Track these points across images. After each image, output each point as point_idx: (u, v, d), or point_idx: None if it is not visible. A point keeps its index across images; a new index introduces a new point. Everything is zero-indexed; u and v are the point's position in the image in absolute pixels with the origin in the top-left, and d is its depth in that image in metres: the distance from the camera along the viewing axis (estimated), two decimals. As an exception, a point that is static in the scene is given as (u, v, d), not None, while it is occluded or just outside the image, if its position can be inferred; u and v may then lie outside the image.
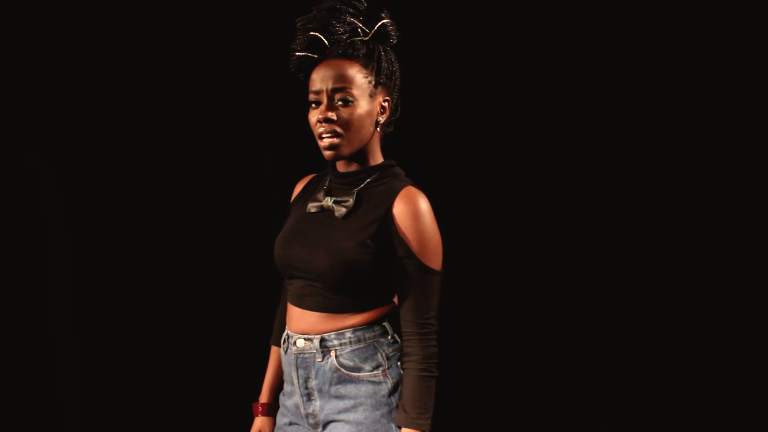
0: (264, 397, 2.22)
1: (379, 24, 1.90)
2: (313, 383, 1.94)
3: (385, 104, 1.93)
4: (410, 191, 1.87)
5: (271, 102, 3.27)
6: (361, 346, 1.91)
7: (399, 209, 1.86)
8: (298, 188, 2.14)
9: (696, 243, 3.26)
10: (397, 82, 1.96)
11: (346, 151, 1.89)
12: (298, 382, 1.96)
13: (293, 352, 1.96)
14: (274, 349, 2.24)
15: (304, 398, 1.96)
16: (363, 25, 1.90)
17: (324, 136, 1.88)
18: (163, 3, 3.21)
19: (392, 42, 1.95)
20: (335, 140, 1.88)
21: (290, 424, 2.02)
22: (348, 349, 1.91)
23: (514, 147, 3.30)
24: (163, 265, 3.34)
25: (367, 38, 1.90)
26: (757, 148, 3.18)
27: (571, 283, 3.33)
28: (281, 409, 2.07)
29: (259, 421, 2.21)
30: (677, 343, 3.31)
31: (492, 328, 3.32)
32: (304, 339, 1.94)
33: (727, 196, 3.23)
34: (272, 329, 2.27)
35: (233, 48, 3.27)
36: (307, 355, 1.94)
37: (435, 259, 1.86)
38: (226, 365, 3.36)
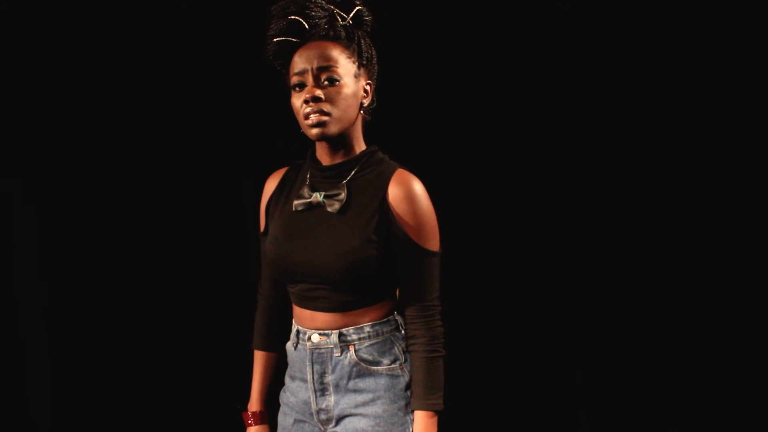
0: (255, 405, 2.14)
1: (356, 10, 1.90)
2: (329, 378, 1.91)
3: (368, 87, 1.92)
4: (402, 174, 1.86)
5: (241, 100, 3.26)
6: (379, 340, 1.90)
7: (393, 194, 1.84)
8: (271, 185, 2.05)
9: (686, 241, 3.25)
10: (375, 69, 1.95)
11: (333, 129, 1.84)
12: (313, 378, 1.92)
13: (308, 347, 1.92)
14: (258, 354, 2.16)
15: (318, 393, 1.93)
16: (341, 10, 1.89)
17: (311, 115, 1.82)
18: (145, 8, 3.20)
19: (367, 28, 1.94)
20: (323, 118, 1.82)
21: (295, 422, 1.99)
22: (367, 343, 1.89)
23: (508, 139, 3.32)
24: (143, 268, 3.29)
25: (345, 22, 1.89)
26: (757, 148, 3.17)
27: (565, 275, 3.31)
28: (283, 408, 2.04)
29: (255, 431, 2.12)
30: (672, 341, 3.31)
31: (482, 319, 3.31)
32: (320, 334, 1.90)
33: (726, 196, 3.22)
34: (253, 334, 2.19)
35: (211, 48, 3.25)
36: (323, 350, 1.91)
37: (433, 241, 1.86)
38: (205, 368, 3.32)
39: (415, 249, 1.83)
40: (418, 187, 1.84)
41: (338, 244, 1.82)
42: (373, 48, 1.93)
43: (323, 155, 1.92)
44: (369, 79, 1.92)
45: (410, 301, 1.86)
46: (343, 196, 1.85)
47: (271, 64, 1.94)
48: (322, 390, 1.92)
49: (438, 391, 1.85)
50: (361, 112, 1.90)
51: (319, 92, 1.81)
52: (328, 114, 1.82)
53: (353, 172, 1.88)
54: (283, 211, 1.95)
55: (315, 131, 1.83)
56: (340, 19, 1.87)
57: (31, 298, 3.21)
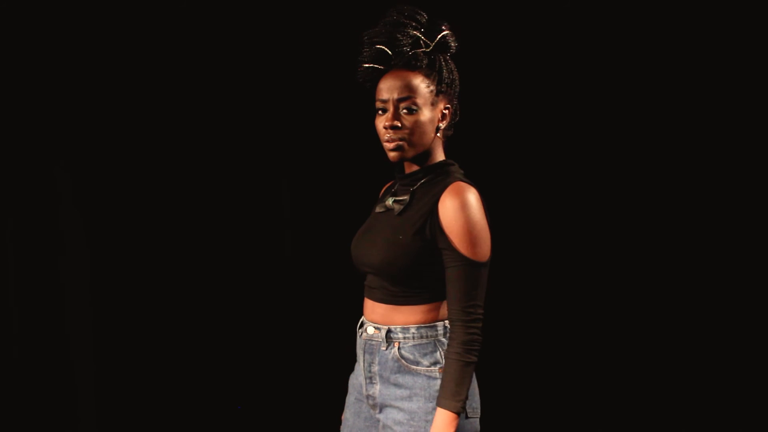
0: None
1: (440, 36, 2.05)
2: (375, 368, 2.09)
3: (446, 111, 2.08)
4: (457, 186, 1.98)
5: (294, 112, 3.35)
6: (423, 342, 2.04)
7: (443, 202, 1.96)
8: (381, 193, 2.32)
9: (681, 244, 3.32)
10: (457, 89, 2.10)
11: (409, 154, 2.04)
12: (363, 365, 2.12)
13: (363, 337, 2.13)
14: None
15: (367, 381, 2.12)
16: (424, 37, 2.05)
17: (389, 140, 2.03)
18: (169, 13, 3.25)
19: (452, 52, 2.09)
20: (400, 143, 2.02)
21: (356, 400, 2.19)
22: (411, 342, 2.05)
23: (509, 139, 3.36)
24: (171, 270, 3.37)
25: (429, 49, 2.05)
26: (758, 148, 3.21)
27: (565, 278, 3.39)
28: (349, 387, 2.24)
29: None
30: (673, 343, 3.36)
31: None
32: (374, 327, 2.10)
33: (726, 197, 3.28)
34: None
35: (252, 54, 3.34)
36: (374, 343, 2.10)
37: (475, 251, 1.95)
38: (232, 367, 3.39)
39: (456, 255, 1.95)
40: (468, 198, 1.95)
41: (388, 238, 2.02)
42: (455, 71, 2.08)
43: (405, 166, 2.12)
44: (448, 103, 2.07)
45: (451, 305, 1.97)
46: (406, 200, 2.06)
47: (361, 84, 2.12)
48: (370, 378, 2.10)
49: (458, 395, 1.94)
50: (438, 134, 2.07)
51: (397, 122, 2.01)
52: (404, 140, 2.02)
53: (422, 181, 2.07)
54: (373, 213, 2.19)
55: (392, 154, 2.05)
56: (424, 46, 2.04)
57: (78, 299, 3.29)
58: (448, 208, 1.95)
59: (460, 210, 1.94)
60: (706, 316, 3.34)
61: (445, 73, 2.04)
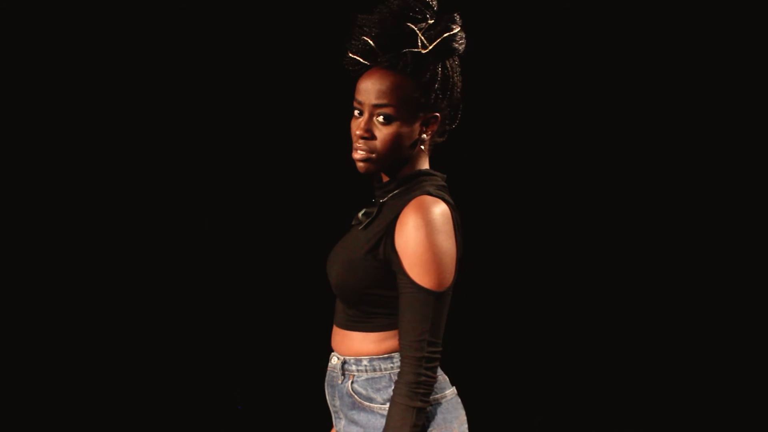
0: None
1: (441, 39, 1.76)
2: (336, 402, 1.88)
3: (432, 120, 1.81)
4: (420, 201, 1.72)
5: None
6: (376, 375, 1.81)
7: (401, 219, 1.72)
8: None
9: (679, 244, 3.31)
10: (456, 95, 1.83)
11: (376, 167, 1.80)
12: (328, 399, 1.91)
13: (329, 368, 1.91)
14: None
15: (334, 415, 1.91)
16: (424, 35, 1.76)
17: (358, 149, 1.79)
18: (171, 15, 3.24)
19: (457, 54, 1.81)
20: (369, 155, 1.78)
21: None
22: (364, 376, 1.82)
23: (510, 139, 3.31)
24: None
25: (425, 51, 1.76)
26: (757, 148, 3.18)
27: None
28: None
29: None
30: (672, 343, 3.33)
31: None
32: (336, 357, 1.88)
33: (735, 198, 3.24)
34: None
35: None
36: (334, 374, 1.88)
37: (428, 277, 1.68)
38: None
39: (406, 281, 1.69)
40: (428, 215, 1.69)
41: (345, 255, 1.81)
42: (455, 77, 1.81)
43: (382, 175, 1.86)
44: (437, 112, 1.80)
45: (400, 337, 1.72)
46: (373, 213, 1.81)
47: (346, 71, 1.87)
48: (335, 412, 1.90)
49: None
50: (421, 146, 1.81)
51: (368, 133, 1.77)
52: (374, 152, 1.77)
53: (393, 193, 1.81)
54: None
55: (359, 165, 1.80)
56: (420, 46, 1.75)
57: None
58: (403, 226, 1.70)
59: (416, 229, 1.68)
60: (706, 316, 3.33)
61: (439, 77, 1.77)
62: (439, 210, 1.71)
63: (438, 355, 1.71)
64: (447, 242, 1.70)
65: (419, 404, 1.69)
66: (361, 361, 1.81)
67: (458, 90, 1.83)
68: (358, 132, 1.77)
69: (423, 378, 1.69)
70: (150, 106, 3.30)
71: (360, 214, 1.85)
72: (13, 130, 3.20)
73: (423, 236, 1.68)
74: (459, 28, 1.79)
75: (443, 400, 1.79)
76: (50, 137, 3.24)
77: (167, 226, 3.37)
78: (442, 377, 1.83)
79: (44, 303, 3.29)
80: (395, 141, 1.77)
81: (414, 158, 1.82)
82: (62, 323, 3.30)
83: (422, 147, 1.82)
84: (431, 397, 1.75)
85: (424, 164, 1.84)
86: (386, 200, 1.81)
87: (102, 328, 3.33)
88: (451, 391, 1.83)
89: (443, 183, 1.83)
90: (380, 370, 1.80)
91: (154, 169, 3.35)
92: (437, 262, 1.68)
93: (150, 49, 3.25)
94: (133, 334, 3.36)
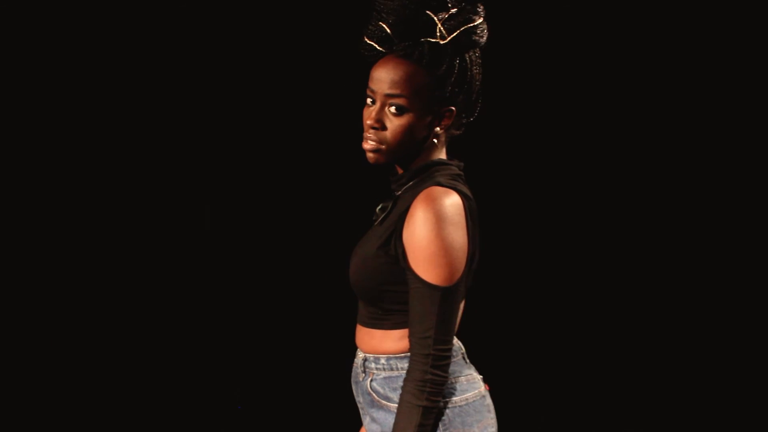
0: None
1: (461, 30, 1.68)
2: (360, 399, 1.86)
3: (447, 113, 1.74)
4: (430, 191, 1.66)
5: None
6: (394, 374, 1.77)
7: (410, 212, 1.67)
8: None
9: (679, 245, 3.33)
10: (474, 88, 1.76)
11: (386, 158, 1.74)
12: (354, 395, 1.89)
13: (354, 364, 1.89)
14: None
15: (360, 411, 1.88)
16: (444, 26, 1.68)
17: (368, 139, 1.73)
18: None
19: (478, 47, 1.74)
20: (379, 146, 1.73)
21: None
22: (382, 375, 1.79)
23: (512, 139, 3.30)
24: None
25: (443, 41, 1.68)
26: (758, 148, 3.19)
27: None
28: None
29: None
30: (671, 344, 3.34)
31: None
32: (359, 354, 1.85)
33: (735, 198, 3.25)
34: None
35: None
36: (357, 371, 1.86)
37: (433, 271, 1.62)
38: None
39: (412, 274, 1.64)
40: (438, 206, 1.62)
41: (360, 252, 1.77)
42: (473, 68, 1.73)
43: (397, 167, 1.81)
44: (452, 105, 1.72)
45: (409, 334, 1.68)
46: (388, 207, 1.76)
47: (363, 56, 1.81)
48: (361, 408, 1.88)
49: None
50: (434, 139, 1.74)
51: (379, 123, 1.71)
52: (384, 143, 1.72)
53: (407, 186, 1.76)
54: None
55: (369, 155, 1.75)
56: (439, 36, 1.68)
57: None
58: (410, 218, 1.64)
59: (423, 221, 1.61)
60: (706, 316, 3.34)
61: (457, 69, 1.69)
62: (449, 201, 1.64)
63: (447, 354, 1.65)
64: (456, 235, 1.63)
65: (426, 403, 1.64)
66: (380, 359, 1.78)
67: (477, 84, 1.76)
68: (368, 122, 1.72)
69: (429, 376, 1.63)
70: (158, 105, 3.29)
71: (378, 209, 1.79)
72: (13, 129, 3.19)
73: (429, 229, 1.61)
74: (481, 20, 1.72)
75: (464, 403, 1.73)
76: (50, 138, 3.24)
77: (173, 224, 3.37)
78: (465, 378, 1.77)
79: (44, 302, 3.28)
80: (406, 133, 1.70)
81: (428, 150, 1.76)
82: (63, 323, 3.29)
83: (436, 140, 1.75)
84: (450, 399, 1.71)
85: (439, 155, 1.78)
86: (400, 193, 1.76)
87: (114, 328, 3.34)
88: (475, 394, 1.77)
89: (459, 172, 1.77)
90: (397, 369, 1.76)
91: (170, 168, 3.35)
92: (444, 255, 1.62)
93: (151, 48, 3.24)
94: (133, 335, 3.35)
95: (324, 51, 3.25)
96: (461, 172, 1.78)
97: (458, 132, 1.81)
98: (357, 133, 1.71)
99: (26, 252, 3.26)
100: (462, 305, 1.78)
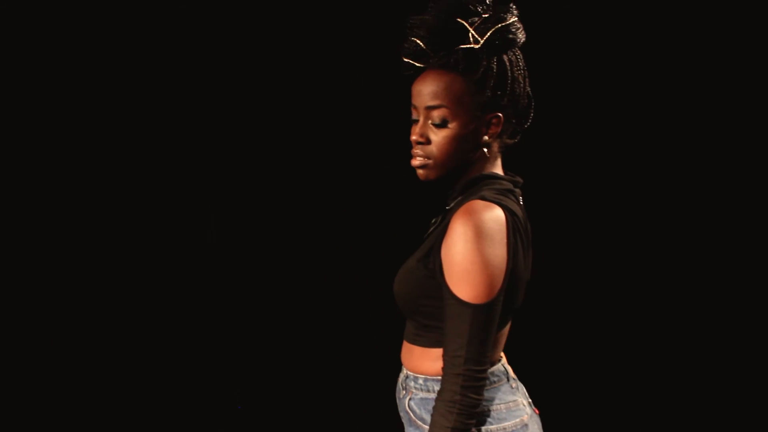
0: None
1: (492, 31, 1.63)
2: (401, 414, 1.81)
3: (494, 120, 1.68)
4: (468, 206, 1.59)
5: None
6: (429, 397, 1.71)
7: (449, 225, 1.60)
8: None
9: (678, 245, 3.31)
10: (519, 90, 1.70)
11: (434, 174, 1.69)
12: (398, 408, 1.84)
13: (398, 378, 1.84)
14: None
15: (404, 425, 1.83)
16: (476, 30, 1.64)
17: (416, 155, 1.70)
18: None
19: (514, 46, 1.69)
20: (424, 161, 1.68)
21: None
22: (420, 395, 1.74)
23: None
24: None
25: (477, 46, 1.64)
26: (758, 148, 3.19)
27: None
28: None
29: None
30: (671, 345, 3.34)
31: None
32: (403, 370, 1.80)
33: (735, 198, 3.27)
34: None
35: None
36: (399, 387, 1.81)
37: (466, 288, 1.55)
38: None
39: (446, 289, 1.58)
40: (477, 220, 1.56)
41: (406, 264, 1.72)
42: (514, 69, 1.68)
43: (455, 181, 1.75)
44: (498, 111, 1.67)
45: (443, 350, 1.60)
46: (438, 221, 1.72)
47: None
48: (403, 424, 1.83)
49: None
50: (484, 149, 1.68)
51: (423, 137, 1.67)
52: (430, 158, 1.67)
53: (458, 199, 1.69)
54: None
55: (418, 172, 1.71)
56: (472, 41, 1.63)
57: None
58: (448, 232, 1.58)
59: (460, 235, 1.55)
60: (705, 316, 3.35)
61: (496, 73, 1.64)
62: (490, 215, 1.57)
63: (480, 375, 1.57)
64: (493, 251, 1.56)
65: (455, 425, 1.56)
66: (419, 378, 1.73)
67: (521, 86, 1.70)
68: (413, 137, 1.68)
69: (458, 397, 1.56)
70: (168, 111, 3.29)
71: (432, 222, 1.77)
72: (11, 132, 3.19)
73: (464, 243, 1.55)
74: (514, 18, 1.67)
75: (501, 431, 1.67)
76: (50, 141, 3.22)
77: (180, 225, 3.37)
78: (506, 405, 1.71)
79: (46, 304, 3.28)
80: (452, 145, 1.66)
81: (479, 161, 1.70)
82: (63, 322, 3.29)
83: (486, 150, 1.69)
84: (486, 427, 1.65)
85: (492, 167, 1.72)
86: (451, 207, 1.70)
87: (114, 329, 3.34)
88: (515, 423, 1.70)
89: (509, 187, 1.71)
90: (433, 391, 1.71)
91: (183, 170, 3.35)
92: (478, 272, 1.55)
93: (157, 54, 3.24)
94: (134, 335, 3.36)
95: (363, 67, 3.22)
96: (514, 188, 1.73)
97: (512, 141, 1.75)
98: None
99: (26, 252, 3.26)
100: (507, 325, 1.74)
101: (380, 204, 3.28)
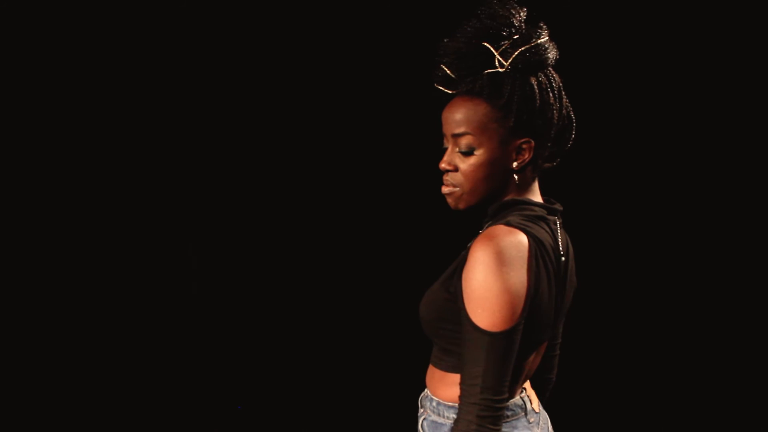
0: None
1: (518, 53, 1.59)
2: (418, 429, 1.79)
3: (525, 145, 1.63)
4: (490, 231, 1.55)
5: None
6: (439, 421, 1.69)
7: (471, 250, 1.56)
8: None
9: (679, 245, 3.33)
10: (552, 113, 1.64)
11: (464, 202, 1.65)
12: None
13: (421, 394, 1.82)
14: None
15: None
16: (501, 54, 1.60)
17: (446, 183, 1.67)
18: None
19: (543, 68, 1.64)
20: (452, 189, 1.65)
21: None
22: (432, 417, 1.71)
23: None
24: None
25: (503, 70, 1.60)
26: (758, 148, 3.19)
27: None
28: None
29: None
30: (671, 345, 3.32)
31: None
32: (426, 388, 1.77)
33: (735, 198, 3.25)
34: None
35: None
36: (419, 404, 1.79)
37: (482, 315, 1.50)
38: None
39: (464, 315, 1.53)
40: (497, 246, 1.51)
41: (432, 287, 1.69)
42: (544, 92, 1.62)
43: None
44: (529, 136, 1.62)
45: (460, 377, 1.56)
46: (469, 246, 1.64)
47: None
48: None
49: None
50: (515, 174, 1.64)
51: (450, 165, 1.64)
52: (458, 186, 1.64)
53: (489, 224, 1.64)
54: None
55: (448, 200, 1.68)
56: (498, 65, 1.59)
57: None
58: (469, 257, 1.53)
59: (478, 261, 1.50)
60: (705, 316, 3.34)
61: (523, 97, 1.58)
62: (511, 241, 1.52)
63: (498, 405, 1.51)
64: (513, 278, 1.51)
65: None
66: (433, 401, 1.71)
67: (555, 108, 1.64)
68: (442, 165, 1.65)
69: (474, 427, 1.50)
70: (169, 115, 3.29)
71: (468, 246, 1.68)
72: (10, 134, 3.19)
73: (482, 269, 1.50)
74: (543, 39, 1.62)
75: None
76: (50, 144, 3.23)
77: (181, 226, 3.37)
78: None
79: (46, 304, 3.28)
80: (479, 172, 1.62)
81: (511, 187, 1.66)
82: (63, 322, 3.29)
83: (517, 176, 1.64)
84: None
85: (526, 193, 1.67)
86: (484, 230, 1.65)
87: (114, 329, 3.34)
88: None
89: (541, 214, 1.65)
90: (443, 416, 1.69)
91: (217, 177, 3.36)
92: (496, 299, 1.49)
93: (152, 53, 3.24)
94: (136, 335, 3.36)
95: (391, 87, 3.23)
96: (549, 215, 1.68)
97: (549, 165, 1.72)
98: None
99: (27, 253, 3.26)
100: (532, 356, 1.69)
101: (425, 225, 3.25)
